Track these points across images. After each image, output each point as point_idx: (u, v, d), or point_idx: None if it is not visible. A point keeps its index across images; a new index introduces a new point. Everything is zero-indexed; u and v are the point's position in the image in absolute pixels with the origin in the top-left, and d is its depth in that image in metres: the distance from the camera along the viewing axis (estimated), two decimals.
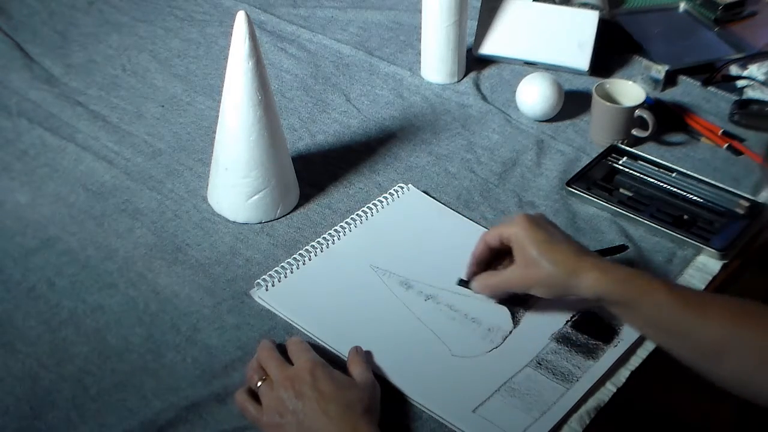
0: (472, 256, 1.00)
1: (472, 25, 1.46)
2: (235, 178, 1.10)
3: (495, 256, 1.00)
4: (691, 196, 1.16)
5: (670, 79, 1.39)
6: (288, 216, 1.15)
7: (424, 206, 1.16)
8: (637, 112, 1.25)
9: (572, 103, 1.34)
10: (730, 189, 1.17)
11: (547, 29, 1.44)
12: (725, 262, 1.08)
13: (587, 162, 1.23)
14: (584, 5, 1.50)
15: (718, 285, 1.06)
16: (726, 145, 1.26)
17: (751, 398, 0.86)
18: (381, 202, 1.15)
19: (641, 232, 1.12)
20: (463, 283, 1.01)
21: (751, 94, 1.36)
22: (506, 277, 0.97)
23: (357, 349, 0.93)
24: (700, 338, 0.88)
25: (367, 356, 0.93)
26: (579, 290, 0.92)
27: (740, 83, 1.39)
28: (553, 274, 0.92)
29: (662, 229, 1.11)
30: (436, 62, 1.40)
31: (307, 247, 1.08)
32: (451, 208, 1.16)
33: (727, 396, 0.87)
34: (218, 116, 1.10)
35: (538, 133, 1.30)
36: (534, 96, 1.30)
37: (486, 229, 1.11)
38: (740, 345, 0.86)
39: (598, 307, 1.00)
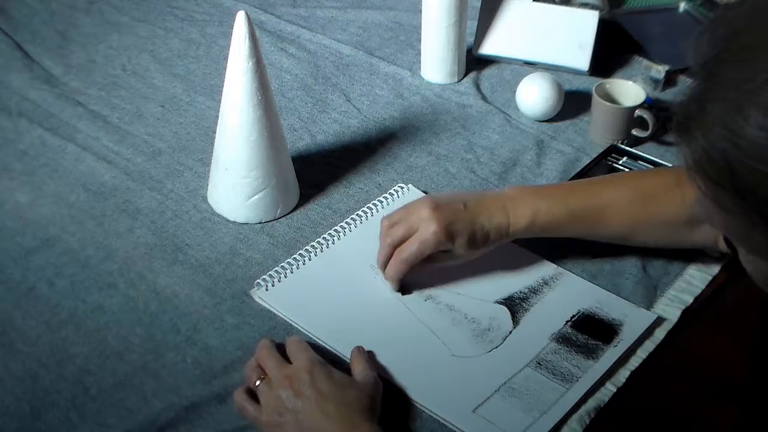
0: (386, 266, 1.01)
1: (472, 25, 1.46)
2: (235, 178, 1.10)
3: None
4: None
5: (670, 79, 1.39)
6: (288, 216, 1.15)
7: None
8: (637, 112, 1.25)
9: (572, 103, 1.34)
10: None
11: (547, 29, 1.44)
12: (725, 262, 1.08)
13: (587, 162, 1.23)
14: (584, 5, 1.50)
15: (718, 285, 1.06)
16: None
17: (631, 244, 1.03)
18: (381, 202, 1.15)
19: None
20: (403, 290, 1.01)
21: None
22: (422, 241, 0.97)
23: (359, 349, 0.93)
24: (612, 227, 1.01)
25: (369, 356, 0.93)
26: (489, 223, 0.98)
27: None
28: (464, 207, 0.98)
29: None
30: (436, 62, 1.40)
31: (307, 247, 1.08)
32: None
33: (727, 396, 0.87)
34: (218, 116, 1.10)
35: (538, 133, 1.30)
36: (534, 96, 1.30)
37: None
38: (616, 209, 1.00)
39: (598, 307, 1.00)
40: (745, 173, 0.59)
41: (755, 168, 0.59)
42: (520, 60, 1.45)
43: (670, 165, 1.17)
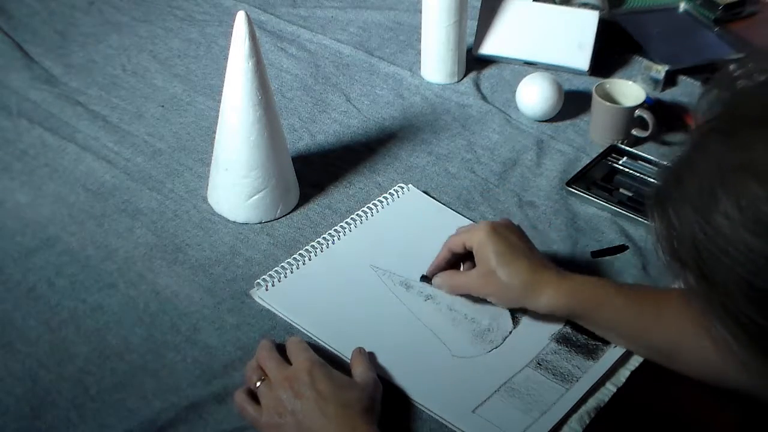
0: (436, 258, 1.02)
1: (472, 25, 1.46)
2: (235, 178, 1.10)
3: (461, 257, 1.01)
4: None
5: (670, 79, 1.39)
6: (288, 216, 1.14)
7: (424, 206, 1.16)
8: (637, 112, 1.25)
9: (572, 103, 1.34)
10: None
11: (547, 29, 1.44)
12: None
13: (587, 162, 1.23)
14: (584, 5, 1.50)
15: None
16: None
17: (714, 384, 0.88)
18: (381, 202, 1.15)
19: (641, 232, 1.12)
20: (425, 279, 1.03)
21: None
22: (465, 281, 0.99)
23: (360, 349, 0.93)
24: (656, 338, 0.91)
25: (369, 357, 0.93)
26: (533, 306, 0.95)
27: None
28: (509, 288, 0.94)
29: None
30: (436, 62, 1.40)
31: (307, 247, 1.08)
32: (451, 209, 1.16)
33: (729, 396, 0.87)
34: (218, 116, 1.10)
35: (538, 133, 1.30)
36: (534, 96, 1.30)
37: None
38: (701, 340, 0.86)
39: None
40: (711, 261, 0.55)
41: (719, 258, 0.54)
42: (520, 60, 1.45)
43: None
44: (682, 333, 0.88)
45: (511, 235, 0.97)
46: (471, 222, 1.13)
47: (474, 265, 0.98)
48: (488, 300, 0.98)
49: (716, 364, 0.83)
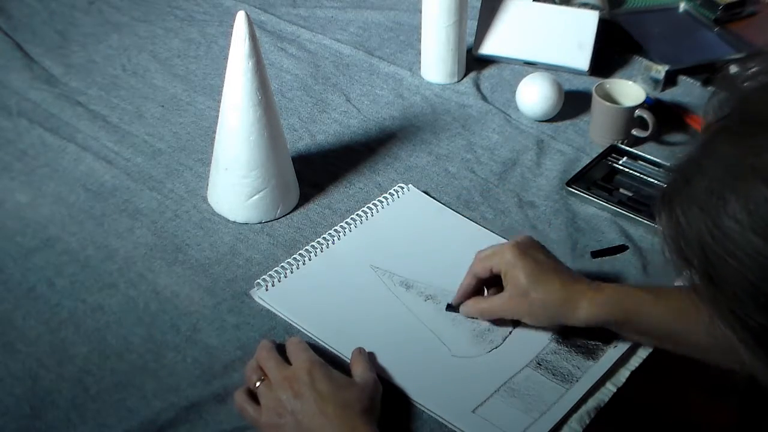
0: (460, 286, 0.99)
1: (472, 25, 1.46)
2: (235, 178, 1.10)
3: (486, 283, 0.99)
4: None
5: (670, 79, 1.39)
6: (288, 216, 1.14)
7: (424, 206, 1.16)
8: (637, 112, 1.25)
9: (572, 103, 1.34)
10: None
11: (547, 29, 1.44)
12: None
13: (587, 162, 1.23)
14: (584, 5, 1.50)
15: None
16: None
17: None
18: (381, 202, 1.15)
19: (641, 232, 1.12)
20: (451, 308, 1.00)
21: None
22: (496, 304, 0.96)
23: (360, 350, 0.93)
24: (691, 340, 0.89)
25: (369, 357, 0.93)
26: (571, 321, 0.93)
27: None
28: (545, 307, 0.93)
29: None
30: (436, 62, 1.40)
31: (307, 247, 1.08)
32: (451, 209, 1.16)
33: (727, 395, 0.87)
34: (218, 116, 1.10)
35: (538, 133, 1.30)
36: (534, 96, 1.30)
37: (487, 230, 1.11)
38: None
39: None
40: (718, 263, 0.55)
41: (726, 261, 0.54)
42: (520, 60, 1.45)
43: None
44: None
45: (538, 254, 0.95)
46: (472, 223, 1.13)
47: (499, 290, 0.96)
48: (522, 321, 0.96)
49: None
